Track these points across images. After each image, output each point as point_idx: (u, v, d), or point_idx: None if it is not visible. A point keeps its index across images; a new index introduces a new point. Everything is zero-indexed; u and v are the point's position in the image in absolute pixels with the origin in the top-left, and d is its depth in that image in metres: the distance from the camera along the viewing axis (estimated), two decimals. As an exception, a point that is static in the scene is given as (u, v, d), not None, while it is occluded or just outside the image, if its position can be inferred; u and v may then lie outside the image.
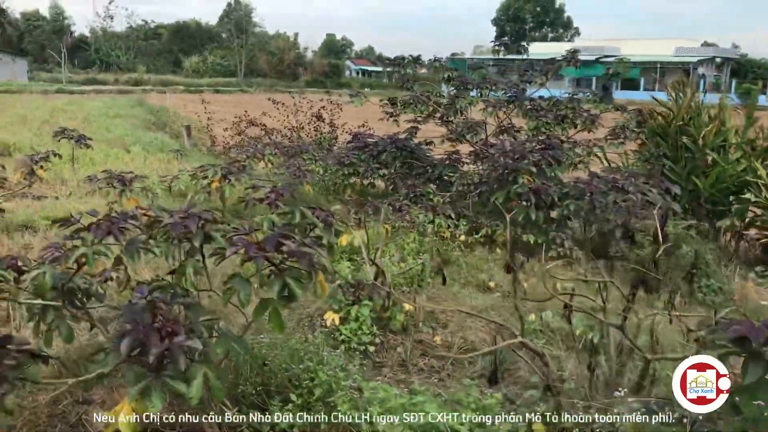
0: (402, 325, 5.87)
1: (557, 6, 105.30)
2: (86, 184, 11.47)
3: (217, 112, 19.17)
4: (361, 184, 10.49)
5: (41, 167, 7.94)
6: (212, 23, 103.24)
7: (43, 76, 68.47)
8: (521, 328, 3.76)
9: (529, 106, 10.19)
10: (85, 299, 3.62)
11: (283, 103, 14.32)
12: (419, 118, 10.40)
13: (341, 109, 14.14)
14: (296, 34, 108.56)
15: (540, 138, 9.10)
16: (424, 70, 15.43)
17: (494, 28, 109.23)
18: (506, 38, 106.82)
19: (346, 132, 13.33)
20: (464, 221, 8.41)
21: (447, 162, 10.10)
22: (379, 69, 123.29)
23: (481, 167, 9.83)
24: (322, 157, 10.96)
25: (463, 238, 8.18)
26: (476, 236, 8.35)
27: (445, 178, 9.91)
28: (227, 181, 8.17)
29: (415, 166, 10.20)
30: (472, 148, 10.52)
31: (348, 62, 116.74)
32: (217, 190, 8.18)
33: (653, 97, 11.78)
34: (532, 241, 8.05)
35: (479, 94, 10.46)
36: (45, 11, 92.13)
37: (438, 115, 10.28)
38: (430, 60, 12.48)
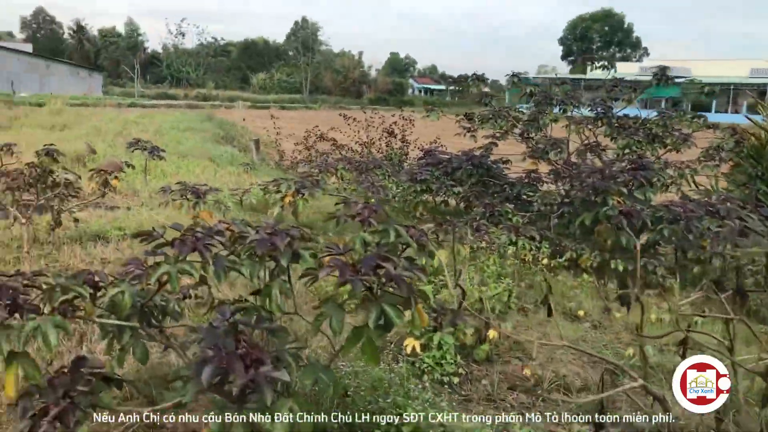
0: (486, 355, 5.46)
1: (626, 26, 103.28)
2: (158, 195, 11.49)
3: (283, 127, 19.19)
4: (433, 202, 10.13)
5: (116, 177, 7.86)
6: (279, 41, 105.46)
7: (116, 91, 70.87)
8: (644, 370, 3.32)
9: (616, 124, 9.65)
10: (161, 317, 3.38)
11: (354, 119, 14.09)
12: (497, 135, 10.01)
13: (413, 124, 13.83)
14: (361, 53, 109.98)
15: (630, 157, 8.57)
16: (487, 89, 15.08)
17: (560, 48, 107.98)
18: (572, 57, 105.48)
19: (418, 148, 13.03)
20: (546, 243, 7.94)
21: (525, 180, 9.65)
22: (442, 87, 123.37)
23: (562, 187, 9.35)
24: (394, 173, 10.66)
25: (545, 261, 7.71)
26: (560, 260, 7.86)
27: (524, 197, 9.46)
28: (300, 195, 7.93)
29: (491, 185, 9.79)
30: (550, 167, 10.05)
31: (411, 80, 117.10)
32: (290, 205, 7.94)
33: (747, 118, 11.04)
34: (621, 268, 7.54)
35: (561, 111, 10.00)
36: (121, 28, 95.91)
37: (517, 131, 9.85)
38: (506, 77, 12.13)
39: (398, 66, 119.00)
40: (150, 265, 2.76)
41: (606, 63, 11.29)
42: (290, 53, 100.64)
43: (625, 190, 7.57)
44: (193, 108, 51.88)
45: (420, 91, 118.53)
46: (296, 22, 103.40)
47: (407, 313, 2.95)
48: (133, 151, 12.02)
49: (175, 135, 20.73)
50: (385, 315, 2.85)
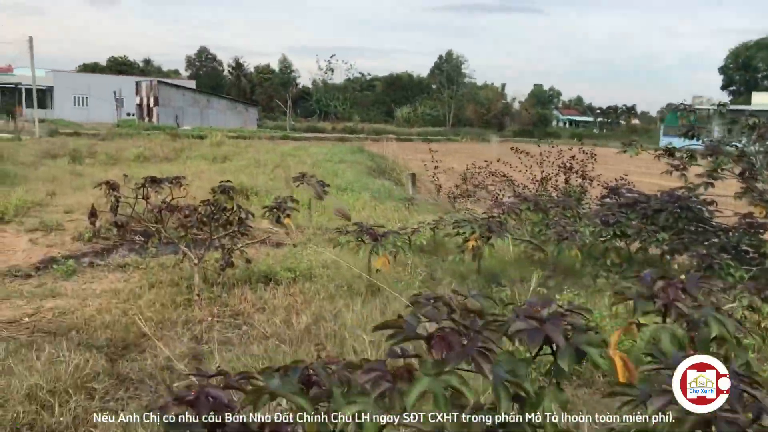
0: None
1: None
2: (321, 231, 11.03)
3: (428, 160, 18.42)
4: (627, 249, 8.85)
5: (287, 215, 7.36)
6: (423, 75, 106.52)
7: (269, 124, 74.08)
8: None
9: None
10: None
11: (527, 153, 12.96)
12: (708, 173, 8.57)
13: (595, 159, 12.44)
14: (503, 85, 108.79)
15: None
16: (636, 121, 13.51)
17: (720, 77, 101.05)
18: (734, 87, 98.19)
19: (600, 185, 11.72)
20: (784, 307, 6.46)
21: (743, 228, 8.16)
22: (588, 119, 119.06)
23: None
24: (583, 215, 9.43)
25: (787, 330, 6.25)
26: (805, 329, 6.36)
27: (743, 248, 7.98)
28: (485, 239, 7.03)
29: (698, 231, 8.38)
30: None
31: (555, 112, 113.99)
32: (473, 250, 7.06)
33: None
34: None
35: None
36: (275, 65, 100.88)
37: (737, 170, 8.39)
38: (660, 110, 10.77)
39: (542, 97, 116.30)
40: (398, 373, 1.92)
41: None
42: (433, 86, 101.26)
43: None
44: (341, 141, 53.07)
45: (564, 123, 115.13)
46: (440, 56, 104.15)
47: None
48: (297, 186, 11.71)
49: (331, 167, 20.61)
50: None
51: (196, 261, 6.67)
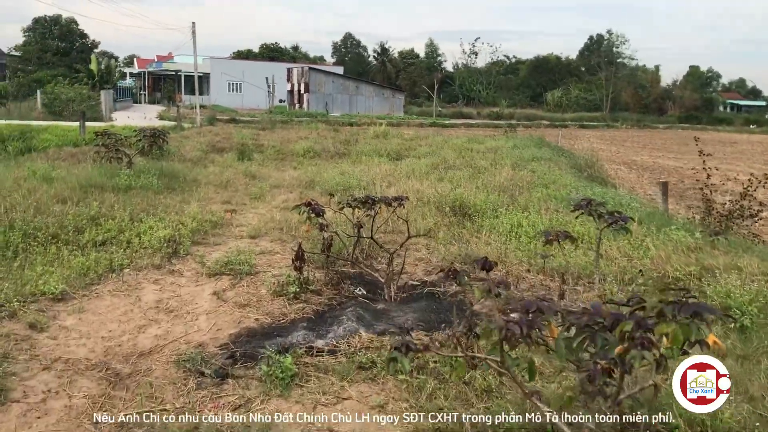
0: None
1: None
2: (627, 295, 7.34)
3: (602, 150, 13.89)
4: None
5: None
6: (572, 57, 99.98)
7: (414, 110, 71.46)
8: None
9: None
10: None
11: None
12: None
13: None
14: (657, 66, 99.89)
15: None
16: None
17: None
18: None
19: None
20: None
21: None
22: (756, 103, 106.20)
23: None
24: None
25: None
26: None
27: None
28: None
29: None
30: None
31: (715, 95, 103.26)
32: None
33: None
34: None
35: None
36: (418, 49, 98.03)
37: None
38: None
39: (700, 80, 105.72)
40: None
41: None
42: (582, 69, 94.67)
43: None
44: (489, 127, 49.43)
45: (726, 107, 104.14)
46: (591, 37, 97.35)
47: None
48: (576, 217, 8.10)
49: (539, 170, 16.64)
50: None
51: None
